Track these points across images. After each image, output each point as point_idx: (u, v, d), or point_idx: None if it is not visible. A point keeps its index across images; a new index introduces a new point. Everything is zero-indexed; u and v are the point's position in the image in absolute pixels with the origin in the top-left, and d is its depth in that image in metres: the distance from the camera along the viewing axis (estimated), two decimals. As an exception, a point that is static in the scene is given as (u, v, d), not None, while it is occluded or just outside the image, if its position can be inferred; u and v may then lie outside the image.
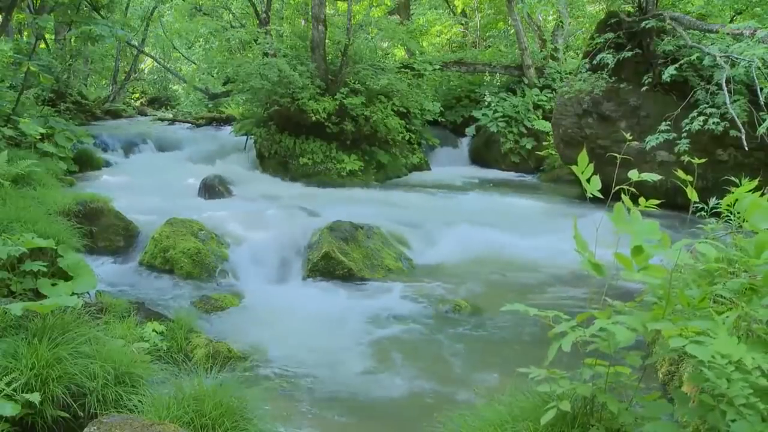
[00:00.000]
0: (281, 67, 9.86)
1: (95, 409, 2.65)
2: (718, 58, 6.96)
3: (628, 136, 3.05)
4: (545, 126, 11.64)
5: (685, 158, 2.57)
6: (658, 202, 2.15)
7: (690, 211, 2.51)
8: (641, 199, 2.13)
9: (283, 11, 16.51)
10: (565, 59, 13.65)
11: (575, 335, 2.02)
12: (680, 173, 2.19)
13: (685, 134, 7.16)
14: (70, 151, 9.51)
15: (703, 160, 2.67)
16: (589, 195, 2.18)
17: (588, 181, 2.17)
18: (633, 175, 2.18)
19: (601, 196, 2.21)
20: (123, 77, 18.51)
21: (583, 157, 2.17)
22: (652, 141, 7.34)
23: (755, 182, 2.30)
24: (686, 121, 7.23)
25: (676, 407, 2.08)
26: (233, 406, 2.62)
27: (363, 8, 15.86)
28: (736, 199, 2.22)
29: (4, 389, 2.44)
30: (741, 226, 3.32)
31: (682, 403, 2.07)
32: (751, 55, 6.44)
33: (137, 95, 22.95)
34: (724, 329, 1.81)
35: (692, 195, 2.16)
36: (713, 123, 6.92)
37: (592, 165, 2.18)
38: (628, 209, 2.08)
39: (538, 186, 10.88)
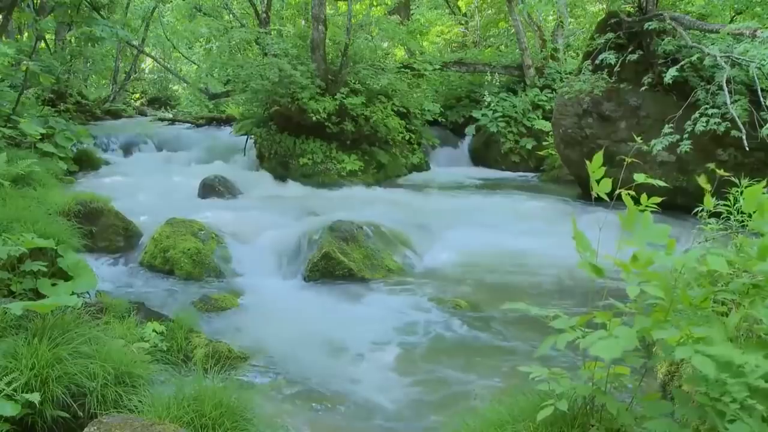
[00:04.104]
0: (282, 67, 9.86)
1: (95, 409, 2.65)
2: (718, 59, 6.95)
3: (638, 139, 3.04)
4: (545, 126, 11.63)
5: (692, 166, 2.59)
6: (659, 200, 2.14)
7: (699, 216, 2.51)
8: (643, 197, 2.12)
9: (283, 11, 16.51)
10: (565, 59, 13.64)
11: (572, 335, 2.01)
12: (702, 179, 2.20)
13: (687, 135, 7.14)
14: (70, 151, 9.53)
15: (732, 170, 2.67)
16: (594, 195, 2.17)
17: (597, 182, 2.17)
18: (639, 177, 2.18)
19: (605, 197, 2.21)
20: (123, 77, 18.50)
21: (597, 158, 2.16)
22: (657, 145, 7.29)
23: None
24: (689, 122, 7.21)
25: (676, 407, 2.07)
26: (233, 406, 2.61)
27: (363, 8, 15.84)
28: (742, 200, 2.22)
29: (4, 389, 2.43)
30: (744, 227, 3.31)
31: (682, 403, 2.07)
32: (752, 56, 6.42)
33: (137, 95, 22.94)
34: (721, 333, 1.80)
35: (708, 203, 2.17)
36: (714, 123, 6.90)
37: (604, 168, 2.17)
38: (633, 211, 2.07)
39: (538, 186, 10.87)
